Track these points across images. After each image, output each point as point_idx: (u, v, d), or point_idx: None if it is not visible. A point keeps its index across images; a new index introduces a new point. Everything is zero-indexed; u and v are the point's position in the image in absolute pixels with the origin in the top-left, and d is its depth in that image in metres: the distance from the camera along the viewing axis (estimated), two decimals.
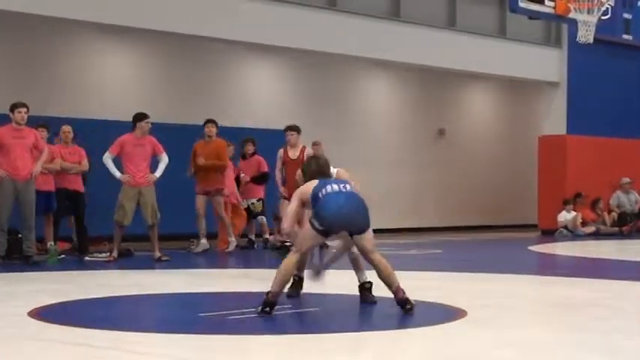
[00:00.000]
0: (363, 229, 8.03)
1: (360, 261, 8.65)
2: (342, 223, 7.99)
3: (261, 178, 16.33)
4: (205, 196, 15.38)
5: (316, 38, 18.00)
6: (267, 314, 7.91)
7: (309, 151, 14.73)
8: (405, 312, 7.85)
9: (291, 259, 8.17)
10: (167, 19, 16.01)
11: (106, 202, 14.23)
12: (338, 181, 8.30)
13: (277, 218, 15.59)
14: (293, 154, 14.43)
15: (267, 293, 8.00)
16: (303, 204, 8.28)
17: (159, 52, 18.59)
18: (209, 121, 15.61)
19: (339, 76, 21.41)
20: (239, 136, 16.98)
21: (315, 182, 8.26)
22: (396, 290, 7.94)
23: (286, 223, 8.38)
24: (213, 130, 15.52)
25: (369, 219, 8.07)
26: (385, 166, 22.15)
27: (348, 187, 8.15)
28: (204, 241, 15.39)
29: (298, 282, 9.15)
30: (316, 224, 7.99)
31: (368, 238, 8.07)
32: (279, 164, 14.51)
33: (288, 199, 14.89)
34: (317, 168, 8.60)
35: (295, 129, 14.53)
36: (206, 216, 15.39)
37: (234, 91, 19.84)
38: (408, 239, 19.38)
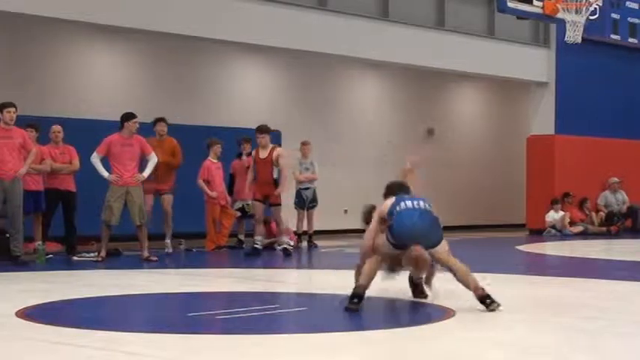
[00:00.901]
0: (435, 245, 8.22)
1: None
2: (415, 240, 8.18)
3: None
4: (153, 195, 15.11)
5: (306, 38, 17.99)
6: (355, 308, 8.00)
7: (278, 152, 14.93)
8: (488, 308, 8.01)
9: (372, 259, 8.35)
10: (157, 19, 15.97)
11: (94, 202, 14.21)
12: (413, 198, 8.48)
13: (266, 222, 15.61)
14: (263, 154, 14.92)
15: (355, 287, 8.18)
16: (382, 221, 8.45)
17: (148, 51, 18.56)
18: (160, 119, 15.41)
19: (328, 76, 21.41)
20: (228, 136, 16.95)
21: (392, 199, 8.48)
22: (474, 289, 8.12)
23: (366, 242, 8.60)
24: (165, 128, 15.35)
25: (441, 235, 8.30)
26: (374, 165, 22.13)
27: (422, 203, 8.36)
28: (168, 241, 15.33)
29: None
30: (390, 239, 8.22)
31: (442, 251, 8.26)
32: (251, 164, 15.12)
33: (259, 199, 15.05)
34: (396, 184, 9.02)
35: (265, 130, 14.90)
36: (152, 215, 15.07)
37: (224, 91, 19.82)
38: None
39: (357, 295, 8.12)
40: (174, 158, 15.25)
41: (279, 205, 15.14)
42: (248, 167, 15.52)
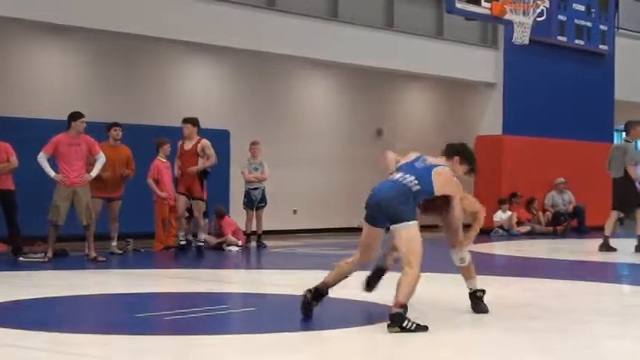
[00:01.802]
0: (391, 217, 7.58)
1: (470, 269, 8.54)
2: (372, 205, 7.69)
3: (201, 175, 15.98)
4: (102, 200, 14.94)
5: (255, 38, 17.97)
6: (306, 296, 7.78)
7: (203, 143, 14.84)
8: (395, 326, 7.19)
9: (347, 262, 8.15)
10: (105, 17, 15.87)
11: (41, 202, 14.09)
12: (412, 168, 7.81)
13: (187, 218, 15.45)
14: (187, 145, 14.89)
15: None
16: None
17: (97, 50, 18.40)
18: (116, 124, 15.29)
19: (278, 76, 21.40)
20: (177, 136, 16.85)
21: (414, 156, 8.03)
22: (395, 303, 7.28)
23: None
24: (120, 133, 15.20)
25: (402, 211, 7.55)
26: (323, 165, 22.18)
27: (408, 178, 7.69)
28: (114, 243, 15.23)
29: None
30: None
31: (401, 236, 7.59)
32: (177, 156, 15.17)
33: (182, 193, 14.95)
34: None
35: (190, 121, 14.87)
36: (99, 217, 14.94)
37: (173, 91, 19.72)
38: (345, 239, 19.42)
39: (316, 289, 7.89)
40: (129, 169, 15.17)
41: (202, 199, 15.00)
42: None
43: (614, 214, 16.13)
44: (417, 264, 7.48)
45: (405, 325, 7.12)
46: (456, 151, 8.19)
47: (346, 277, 8.07)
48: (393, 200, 7.59)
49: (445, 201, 8.02)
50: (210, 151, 14.86)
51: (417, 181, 7.68)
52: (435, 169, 7.81)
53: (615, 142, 24.57)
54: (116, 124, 15.29)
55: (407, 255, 7.50)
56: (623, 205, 15.97)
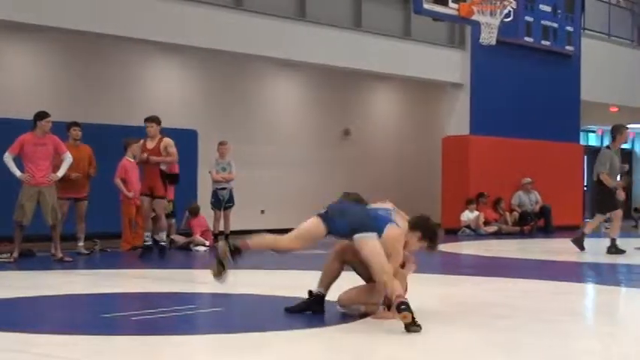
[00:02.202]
0: (355, 224, 7.69)
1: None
2: (336, 208, 7.90)
3: (171, 179, 15.89)
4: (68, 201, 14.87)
5: (222, 38, 17.92)
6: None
7: (166, 142, 14.73)
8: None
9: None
10: (73, 17, 15.77)
11: (6, 202, 13.98)
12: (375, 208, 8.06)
13: (154, 218, 15.33)
14: (150, 144, 14.70)
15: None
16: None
17: (65, 50, 18.29)
18: (75, 124, 15.16)
19: (245, 76, 21.37)
20: (144, 135, 16.79)
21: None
22: (396, 295, 7.35)
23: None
24: (80, 133, 15.10)
25: (366, 223, 7.69)
26: (291, 165, 22.18)
27: (374, 210, 7.96)
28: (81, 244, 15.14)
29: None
30: (322, 210, 7.93)
31: (361, 246, 7.65)
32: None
33: (145, 193, 14.86)
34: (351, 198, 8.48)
35: (155, 120, 14.73)
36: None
37: (140, 90, 19.66)
38: None
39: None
40: (92, 168, 15.08)
41: (164, 198, 14.90)
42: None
43: (598, 217, 16.13)
44: (391, 271, 7.57)
45: (415, 320, 7.17)
46: (418, 225, 8.12)
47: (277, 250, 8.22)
48: (359, 214, 7.81)
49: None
50: (173, 149, 14.71)
51: (376, 212, 7.91)
52: (392, 224, 7.85)
53: (581, 142, 24.74)
54: (75, 124, 15.15)
55: (377, 266, 7.58)
56: (599, 209, 16.02)
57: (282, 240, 8.01)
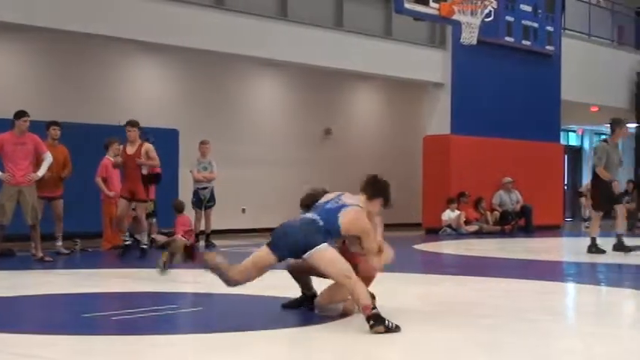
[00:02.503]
0: (299, 248, 7.48)
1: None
2: (279, 233, 7.62)
3: (153, 179, 15.86)
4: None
5: (204, 37, 17.89)
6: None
7: (147, 147, 14.69)
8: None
9: None
10: (57, 16, 15.71)
11: None
12: (318, 207, 7.82)
13: (135, 218, 15.29)
14: (130, 149, 14.59)
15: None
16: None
17: (48, 49, 18.22)
18: (55, 123, 15.01)
19: (227, 75, 21.34)
20: (124, 136, 16.75)
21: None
22: (363, 308, 7.26)
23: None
24: (59, 132, 14.95)
25: (308, 242, 7.42)
26: (272, 164, 22.16)
27: (314, 215, 7.67)
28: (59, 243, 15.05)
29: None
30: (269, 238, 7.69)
31: (322, 259, 7.42)
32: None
33: (125, 197, 14.84)
34: (306, 198, 8.41)
35: (136, 124, 14.61)
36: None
37: (122, 90, 19.60)
38: None
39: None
40: (66, 169, 14.96)
41: (145, 201, 14.87)
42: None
43: (595, 216, 15.71)
44: (352, 274, 7.39)
45: (387, 325, 7.09)
46: (379, 192, 8.06)
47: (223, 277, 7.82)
48: (300, 231, 7.51)
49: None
50: (154, 154, 14.66)
51: (320, 219, 7.59)
52: (344, 209, 7.70)
53: (562, 141, 24.80)
54: (55, 123, 15.02)
55: (339, 276, 7.41)
56: (597, 206, 15.60)
57: (232, 269, 7.72)
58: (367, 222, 7.77)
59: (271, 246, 7.61)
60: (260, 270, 7.69)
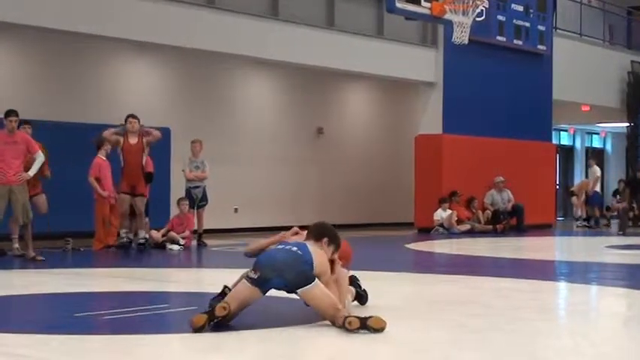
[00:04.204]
0: (294, 279, 7.37)
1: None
2: (268, 267, 7.38)
3: (146, 177, 15.85)
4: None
5: (196, 36, 17.89)
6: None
7: (147, 139, 14.95)
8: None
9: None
10: (48, 15, 15.68)
11: None
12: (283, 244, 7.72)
13: (132, 213, 15.32)
14: (133, 139, 14.95)
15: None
16: None
17: (39, 48, 18.19)
18: (25, 122, 14.81)
19: (219, 75, 21.33)
20: None
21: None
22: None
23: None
24: (30, 131, 14.82)
25: (303, 271, 7.36)
26: (264, 164, 22.17)
27: (288, 245, 7.58)
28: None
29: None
30: (251, 274, 7.42)
31: (315, 296, 7.35)
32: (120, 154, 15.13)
33: (126, 192, 14.89)
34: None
35: (137, 117, 14.92)
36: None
37: (114, 89, 19.59)
38: None
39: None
40: (46, 170, 14.84)
41: (144, 196, 14.96)
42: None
43: None
44: (339, 305, 7.38)
45: (364, 323, 7.09)
46: (321, 233, 7.82)
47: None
48: (293, 263, 7.39)
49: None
50: (157, 132, 15.33)
51: (296, 249, 7.52)
52: (306, 243, 7.66)
53: (553, 141, 24.84)
54: (26, 122, 14.84)
55: (331, 308, 7.33)
56: None
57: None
58: (327, 266, 7.66)
59: (257, 283, 7.39)
60: (243, 307, 7.49)
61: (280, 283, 7.40)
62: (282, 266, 7.38)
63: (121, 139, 15.14)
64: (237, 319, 7.39)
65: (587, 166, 27.41)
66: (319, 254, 7.62)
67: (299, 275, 7.35)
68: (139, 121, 14.99)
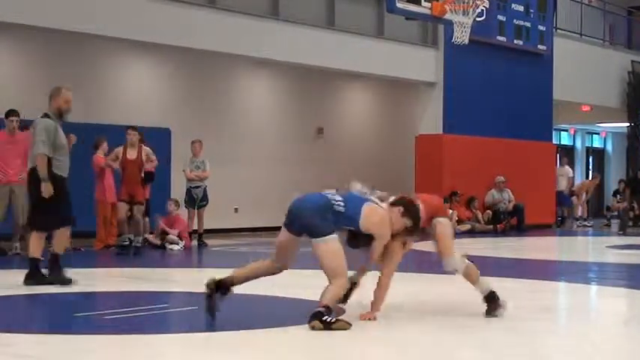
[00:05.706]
0: (304, 228, 7.52)
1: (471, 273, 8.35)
2: (290, 210, 7.68)
3: (146, 178, 15.89)
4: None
5: (196, 36, 17.88)
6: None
7: (147, 150, 15.00)
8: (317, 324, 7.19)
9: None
10: (47, 15, 15.67)
11: None
12: (346, 193, 7.85)
13: (130, 219, 15.34)
14: (132, 154, 15.08)
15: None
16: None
17: (38, 48, 18.18)
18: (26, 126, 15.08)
19: (219, 74, 21.33)
20: (119, 134, 16.72)
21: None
22: (318, 304, 7.31)
23: None
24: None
25: (315, 224, 7.45)
26: (265, 163, 22.16)
27: (336, 197, 7.67)
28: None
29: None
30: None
31: (321, 250, 7.42)
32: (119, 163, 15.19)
33: (124, 200, 14.92)
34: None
35: (137, 128, 15.00)
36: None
37: (114, 89, 19.58)
38: None
39: (220, 281, 7.75)
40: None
41: (142, 204, 15.12)
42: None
43: None
44: (343, 275, 7.44)
45: (325, 319, 7.13)
46: (402, 203, 8.03)
47: (257, 277, 7.94)
48: (307, 211, 7.53)
49: (368, 242, 7.79)
50: (154, 157, 15.24)
51: (343, 204, 7.57)
52: (369, 203, 7.72)
53: (554, 141, 24.82)
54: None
55: (331, 270, 7.42)
56: None
57: (262, 265, 7.87)
58: (387, 227, 7.75)
59: (286, 224, 7.69)
60: (289, 252, 7.76)
61: (297, 227, 7.57)
62: (300, 211, 7.58)
63: (120, 153, 15.21)
64: (237, 319, 7.41)
65: (560, 165, 27.22)
66: (374, 214, 7.64)
67: (310, 225, 7.44)
68: (140, 133, 15.10)
